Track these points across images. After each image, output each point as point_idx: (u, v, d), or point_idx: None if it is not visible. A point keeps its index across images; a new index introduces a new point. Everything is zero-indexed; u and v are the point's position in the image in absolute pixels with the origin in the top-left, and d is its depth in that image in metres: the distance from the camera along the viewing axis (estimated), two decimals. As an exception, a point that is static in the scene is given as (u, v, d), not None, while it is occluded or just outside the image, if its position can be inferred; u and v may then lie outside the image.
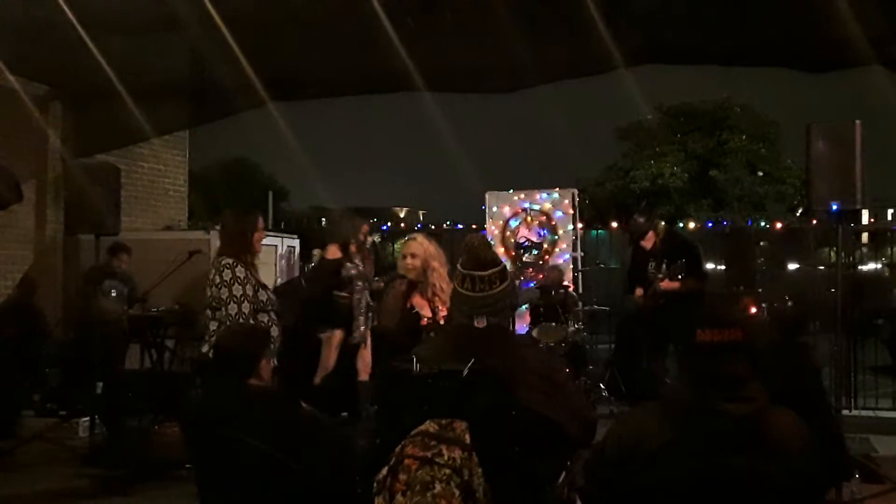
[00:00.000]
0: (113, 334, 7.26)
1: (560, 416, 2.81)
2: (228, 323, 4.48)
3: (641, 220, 7.66)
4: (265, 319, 4.62)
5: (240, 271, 4.59)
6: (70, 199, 7.96)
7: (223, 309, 4.56)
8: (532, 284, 8.50)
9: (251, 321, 4.51)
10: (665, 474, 2.24)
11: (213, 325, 4.65)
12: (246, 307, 4.55)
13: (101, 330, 6.82)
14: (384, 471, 2.54)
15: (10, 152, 8.06)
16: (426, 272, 4.63)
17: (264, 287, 4.75)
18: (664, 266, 7.09)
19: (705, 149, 27.82)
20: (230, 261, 4.63)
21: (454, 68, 7.54)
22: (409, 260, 4.67)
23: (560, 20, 6.36)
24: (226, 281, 4.56)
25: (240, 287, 4.56)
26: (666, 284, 7.03)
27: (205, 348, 4.69)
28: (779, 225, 11.99)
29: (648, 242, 7.43)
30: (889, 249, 11.28)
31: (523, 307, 7.97)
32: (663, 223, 7.67)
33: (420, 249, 4.70)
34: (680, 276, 6.91)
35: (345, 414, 7.35)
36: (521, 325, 8.09)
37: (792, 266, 12.83)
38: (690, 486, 2.24)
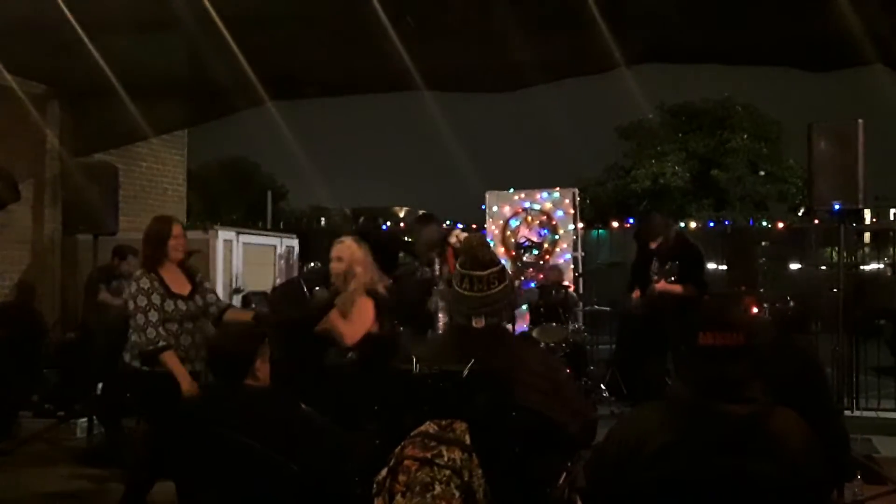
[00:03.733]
0: (115, 335, 7.23)
1: (560, 416, 2.80)
2: (139, 333, 4.45)
3: (661, 222, 7.56)
4: (174, 328, 4.52)
5: (144, 283, 4.52)
6: (68, 199, 7.97)
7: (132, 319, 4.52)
8: (532, 284, 8.49)
9: (159, 330, 4.46)
10: (666, 475, 2.24)
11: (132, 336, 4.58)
12: (153, 316, 4.47)
13: (105, 331, 6.80)
14: (384, 472, 2.53)
15: (7, 152, 8.05)
16: (346, 278, 4.59)
17: (178, 297, 4.60)
18: (665, 268, 7.03)
19: (707, 148, 27.85)
20: (137, 272, 4.63)
21: (454, 68, 7.52)
22: (334, 264, 4.62)
23: (560, 20, 6.34)
24: (132, 293, 4.54)
25: (144, 298, 4.48)
26: (662, 286, 6.98)
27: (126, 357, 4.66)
28: (780, 225, 11.99)
29: (656, 243, 7.35)
30: (891, 249, 11.26)
31: (523, 307, 7.95)
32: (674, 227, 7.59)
33: (346, 252, 4.66)
34: (672, 278, 6.85)
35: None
36: (522, 325, 8.07)
37: (794, 266, 12.82)
38: (691, 486, 2.24)
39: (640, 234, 7.75)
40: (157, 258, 4.60)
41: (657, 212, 8.15)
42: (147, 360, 4.46)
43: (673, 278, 6.80)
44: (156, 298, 4.48)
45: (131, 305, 4.49)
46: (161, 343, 4.41)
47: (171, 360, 4.40)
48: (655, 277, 7.03)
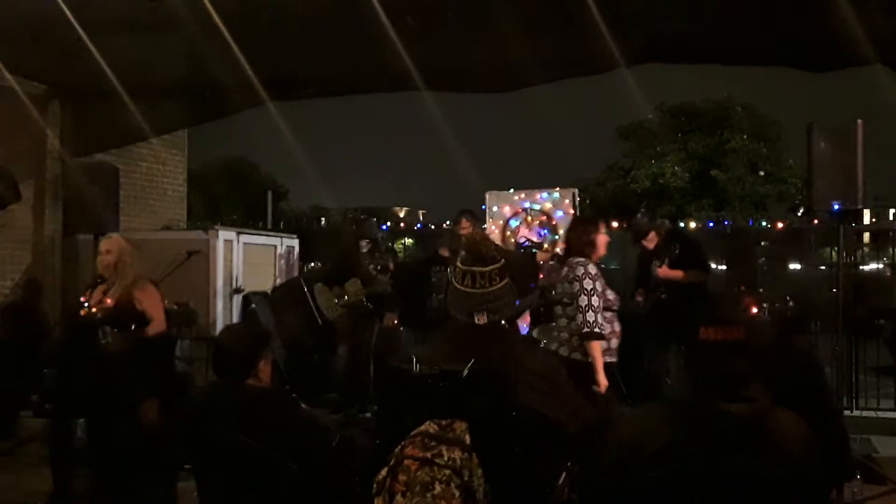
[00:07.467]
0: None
1: (560, 415, 2.80)
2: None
3: (644, 219, 7.60)
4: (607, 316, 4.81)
5: (593, 268, 4.84)
6: (69, 199, 7.98)
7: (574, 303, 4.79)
8: (532, 284, 8.47)
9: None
10: (666, 475, 2.24)
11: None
12: (595, 301, 4.73)
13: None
14: (384, 471, 2.53)
15: (8, 152, 8.05)
16: (117, 268, 4.93)
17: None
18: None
19: (706, 148, 27.85)
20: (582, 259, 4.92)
21: (454, 68, 7.53)
22: (103, 256, 4.97)
23: (560, 20, 6.35)
24: (578, 276, 4.81)
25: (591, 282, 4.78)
26: (664, 272, 6.96)
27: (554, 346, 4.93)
28: (780, 225, 11.97)
29: (651, 243, 7.34)
30: (890, 249, 11.25)
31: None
32: (667, 222, 7.59)
33: (115, 245, 5.00)
34: (675, 255, 6.85)
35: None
36: (521, 325, 8.07)
37: (793, 266, 12.82)
38: (691, 486, 2.23)
39: (632, 237, 7.79)
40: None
41: (642, 211, 8.14)
42: None
43: (676, 254, 6.80)
44: (599, 285, 4.79)
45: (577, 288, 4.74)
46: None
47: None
48: (657, 263, 7.02)
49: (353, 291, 7.65)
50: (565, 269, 5.00)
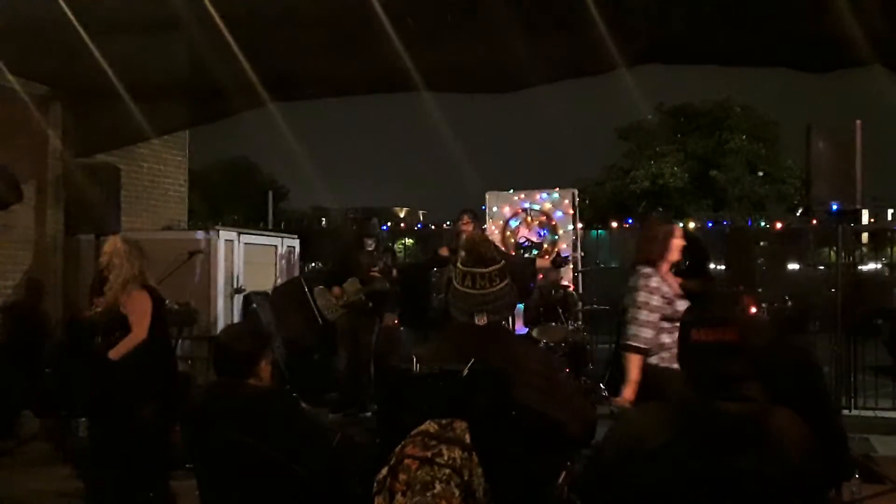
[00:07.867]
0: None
1: (560, 415, 2.81)
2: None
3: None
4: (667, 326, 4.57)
5: (654, 281, 4.60)
6: (70, 200, 7.98)
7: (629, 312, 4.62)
8: (532, 285, 8.49)
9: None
10: (665, 474, 2.25)
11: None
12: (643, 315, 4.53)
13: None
14: (384, 471, 2.54)
15: (9, 152, 8.04)
16: (108, 269, 5.06)
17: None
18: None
19: (705, 149, 27.89)
20: (648, 270, 4.68)
21: (454, 68, 7.53)
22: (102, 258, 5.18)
23: (560, 20, 6.35)
24: (636, 286, 4.61)
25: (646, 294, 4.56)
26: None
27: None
28: (779, 225, 11.98)
29: None
30: (889, 249, 11.27)
31: (520, 305, 7.97)
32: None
33: (109, 248, 5.14)
34: (686, 266, 6.88)
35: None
36: (521, 325, 8.09)
37: (792, 266, 12.83)
38: (690, 486, 2.24)
39: None
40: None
41: (654, 212, 8.14)
42: None
43: (687, 264, 6.82)
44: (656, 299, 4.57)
45: (641, 298, 4.56)
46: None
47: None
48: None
49: (352, 291, 7.67)
50: (631, 277, 4.81)
